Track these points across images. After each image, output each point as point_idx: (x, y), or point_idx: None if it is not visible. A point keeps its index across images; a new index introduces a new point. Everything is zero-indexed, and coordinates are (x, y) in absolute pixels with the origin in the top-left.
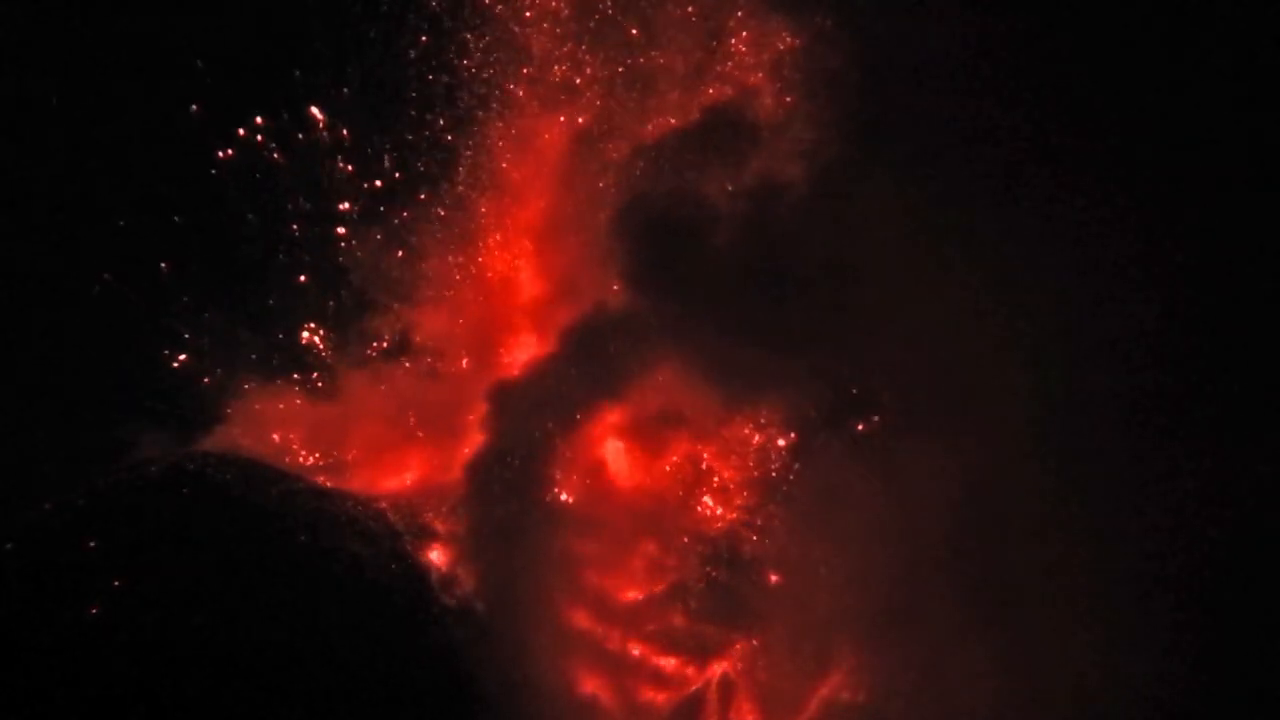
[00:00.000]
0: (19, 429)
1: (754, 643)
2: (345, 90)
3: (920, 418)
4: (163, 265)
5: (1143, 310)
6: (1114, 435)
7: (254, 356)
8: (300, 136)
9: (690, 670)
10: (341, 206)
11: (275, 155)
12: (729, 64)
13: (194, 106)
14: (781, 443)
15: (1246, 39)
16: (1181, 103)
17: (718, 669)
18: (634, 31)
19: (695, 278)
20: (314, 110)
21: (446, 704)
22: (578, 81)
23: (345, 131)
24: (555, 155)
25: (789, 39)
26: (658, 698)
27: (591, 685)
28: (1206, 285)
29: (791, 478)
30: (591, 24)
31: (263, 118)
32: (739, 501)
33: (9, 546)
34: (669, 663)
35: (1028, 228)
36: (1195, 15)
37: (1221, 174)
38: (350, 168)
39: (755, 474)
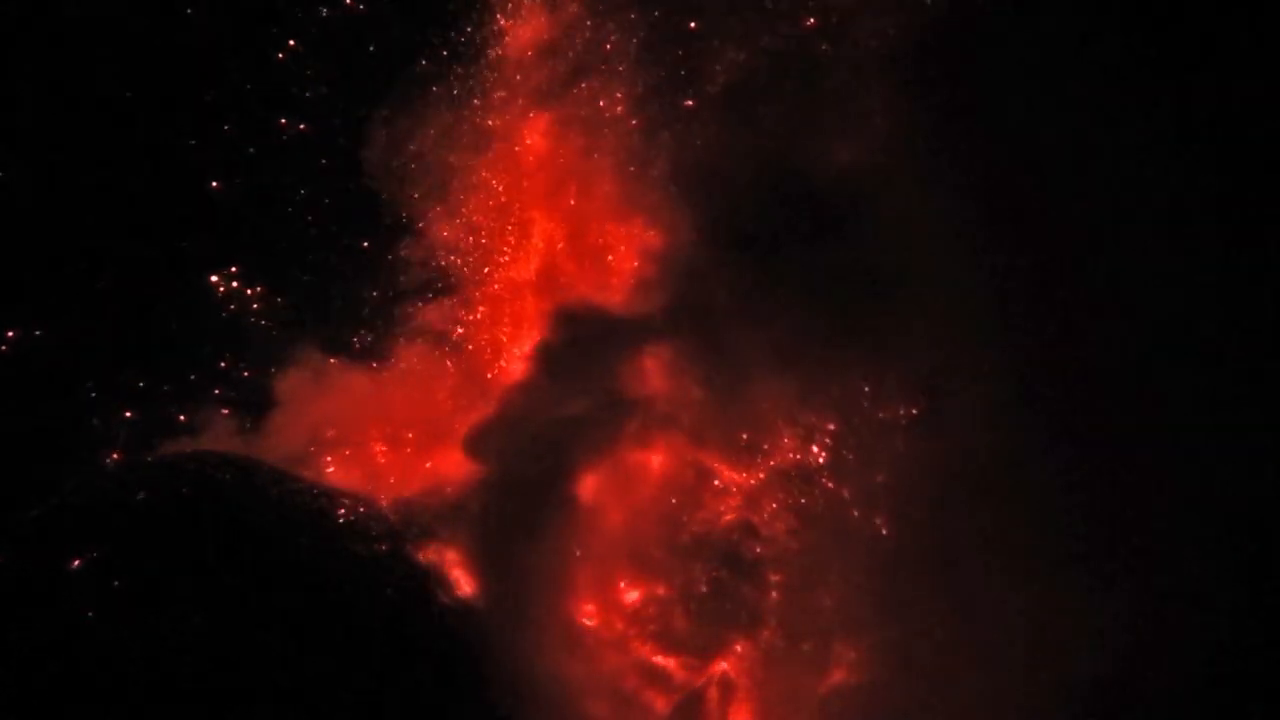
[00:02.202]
0: (19, 426)
1: (754, 643)
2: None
3: (926, 417)
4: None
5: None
6: (1117, 429)
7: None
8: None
9: (690, 670)
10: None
11: (303, 127)
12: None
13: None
14: (784, 441)
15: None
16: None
17: (718, 669)
18: None
19: (726, 265)
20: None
21: (446, 704)
22: (622, 45)
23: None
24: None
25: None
26: (658, 698)
27: (592, 685)
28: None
29: (793, 477)
30: None
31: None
32: (739, 501)
33: (8, 546)
34: (669, 663)
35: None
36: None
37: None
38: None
39: (756, 474)
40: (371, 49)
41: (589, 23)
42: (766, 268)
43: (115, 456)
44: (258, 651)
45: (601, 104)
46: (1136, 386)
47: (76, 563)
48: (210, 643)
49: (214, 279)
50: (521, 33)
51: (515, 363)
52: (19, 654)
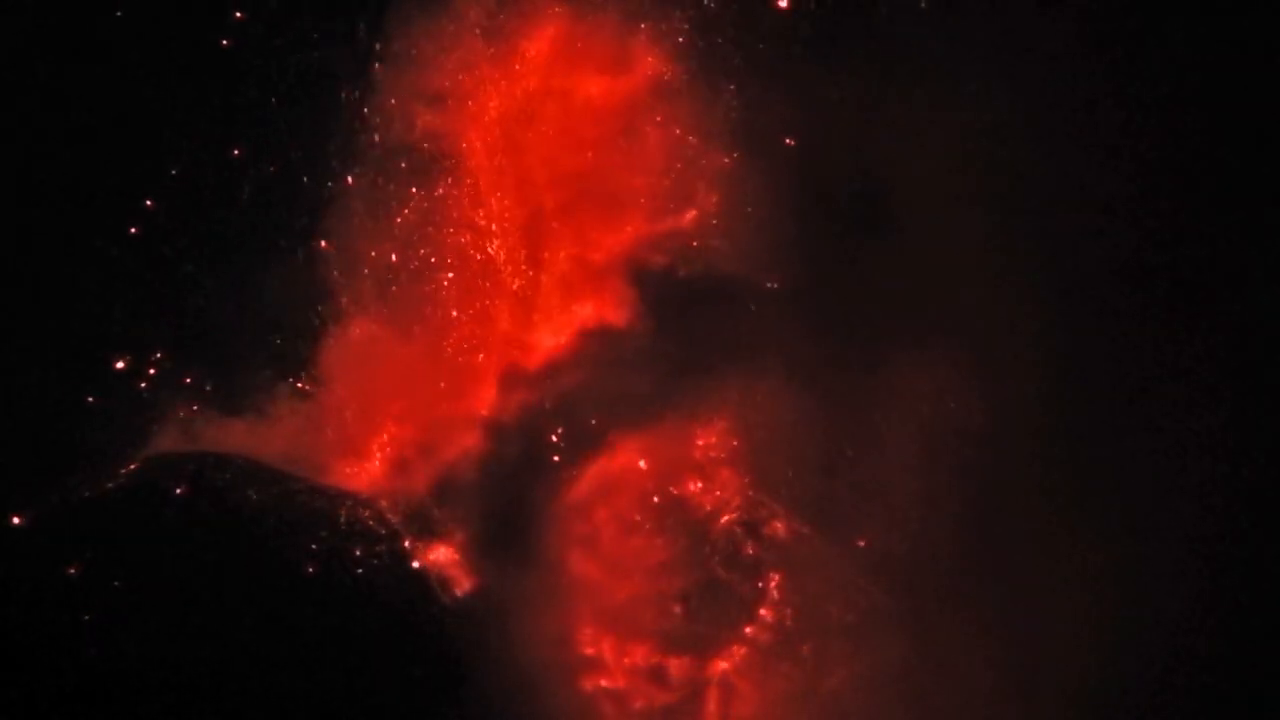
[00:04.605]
0: (18, 426)
1: (754, 643)
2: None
3: (930, 418)
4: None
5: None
6: (1121, 438)
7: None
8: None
9: (690, 670)
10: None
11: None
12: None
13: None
14: (784, 447)
15: None
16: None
17: (718, 669)
18: None
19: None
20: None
21: (445, 704)
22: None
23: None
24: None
25: None
26: (658, 698)
27: (591, 685)
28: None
29: (793, 478)
30: None
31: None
32: (739, 501)
33: (8, 546)
34: (669, 663)
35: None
36: None
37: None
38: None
39: (757, 474)
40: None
41: None
42: (817, 253)
43: (115, 457)
44: (257, 653)
45: (664, 65)
46: (1165, 394)
47: (76, 563)
48: (209, 644)
49: (214, 278)
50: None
51: (516, 360)
52: (18, 654)
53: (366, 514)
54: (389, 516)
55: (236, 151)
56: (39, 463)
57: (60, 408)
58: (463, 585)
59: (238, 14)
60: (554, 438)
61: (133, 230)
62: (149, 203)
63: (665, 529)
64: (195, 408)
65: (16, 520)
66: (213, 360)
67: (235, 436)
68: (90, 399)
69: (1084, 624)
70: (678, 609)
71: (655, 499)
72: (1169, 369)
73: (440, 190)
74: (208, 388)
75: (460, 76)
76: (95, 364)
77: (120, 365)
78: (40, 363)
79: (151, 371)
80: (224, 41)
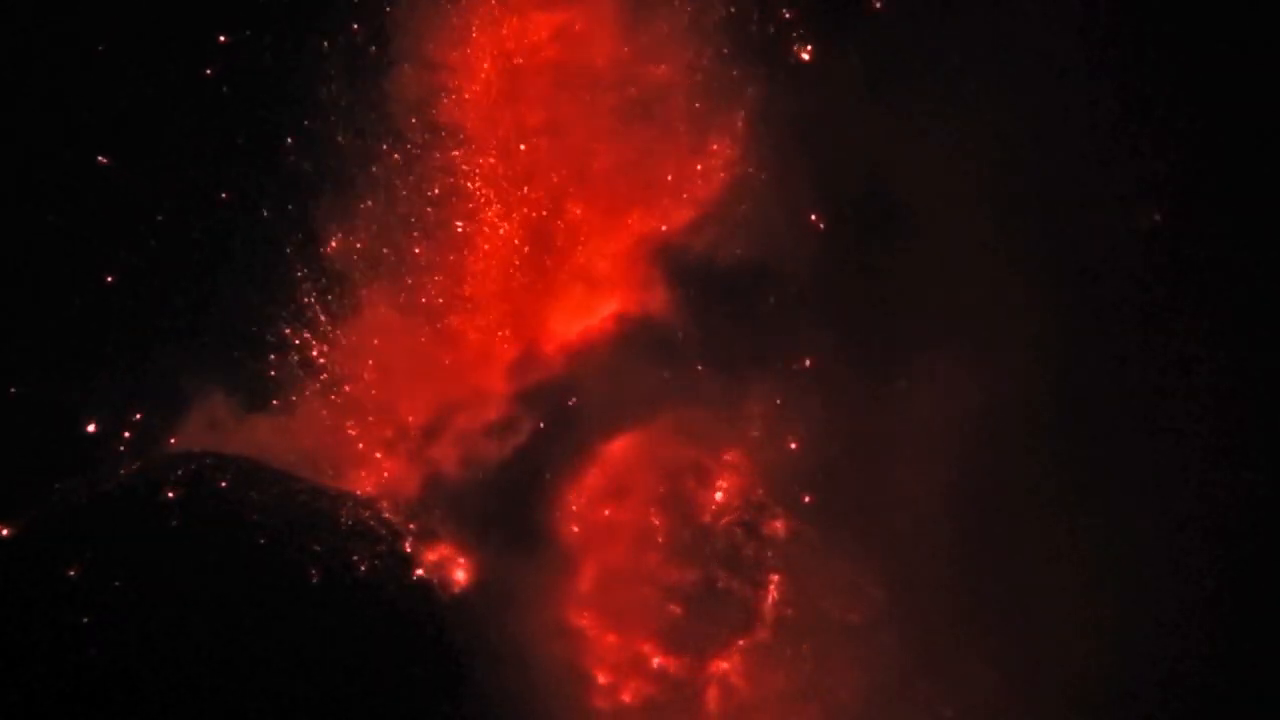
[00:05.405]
0: (18, 426)
1: (754, 643)
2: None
3: (931, 418)
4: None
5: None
6: (1123, 439)
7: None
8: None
9: (690, 669)
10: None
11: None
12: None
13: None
14: (786, 445)
15: None
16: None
17: (718, 668)
18: None
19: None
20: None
21: (445, 704)
22: None
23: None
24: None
25: None
26: (657, 697)
27: (591, 685)
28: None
29: (794, 479)
30: None
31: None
32: (740, 501)
33: (7, 547)
34: (669, 661)
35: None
36: None
37: None
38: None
39: (757, 475)
40: None
41: None
42: (823, 252)
43: (115, 457)
44: (257, 652)
45: (676, 66)
46: (1165, 394)
47: (76, 563)
48: (209, 644)
49: (215, 278)
50: None
51: (522, 356)
52: (18, 655)
53: (367, 514)
54: (390, 517)
55: (238, 151)
56: (39, 463)
57: (60, 408)
58: (463, 584)
59: (237, 6)
60: (557, 436)
61: (134, 229)
62: (148, 200)
63: (666, 528)
64: (197, 407)
65: (15, 522)
66: (215, 360)
67: (237, 435)
68: (91, 399)
69: (1084, 624)
70: (678, 609)
71: (656, 498)
72: (1169, 369)
73: (453, 179)
74: (210, 387)
75: (474, 65)
76: (96, 364)
77: (122, 365)
78: (40, 363)
79: (153, 371)
80: (225, 36)
